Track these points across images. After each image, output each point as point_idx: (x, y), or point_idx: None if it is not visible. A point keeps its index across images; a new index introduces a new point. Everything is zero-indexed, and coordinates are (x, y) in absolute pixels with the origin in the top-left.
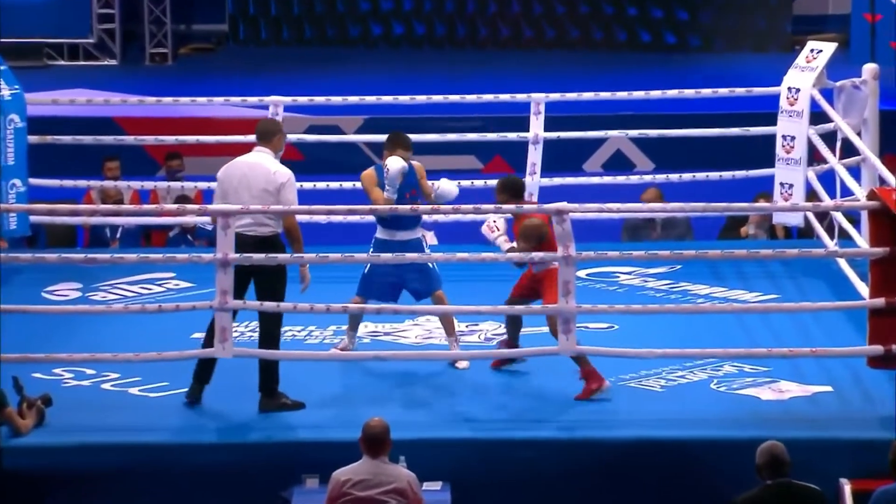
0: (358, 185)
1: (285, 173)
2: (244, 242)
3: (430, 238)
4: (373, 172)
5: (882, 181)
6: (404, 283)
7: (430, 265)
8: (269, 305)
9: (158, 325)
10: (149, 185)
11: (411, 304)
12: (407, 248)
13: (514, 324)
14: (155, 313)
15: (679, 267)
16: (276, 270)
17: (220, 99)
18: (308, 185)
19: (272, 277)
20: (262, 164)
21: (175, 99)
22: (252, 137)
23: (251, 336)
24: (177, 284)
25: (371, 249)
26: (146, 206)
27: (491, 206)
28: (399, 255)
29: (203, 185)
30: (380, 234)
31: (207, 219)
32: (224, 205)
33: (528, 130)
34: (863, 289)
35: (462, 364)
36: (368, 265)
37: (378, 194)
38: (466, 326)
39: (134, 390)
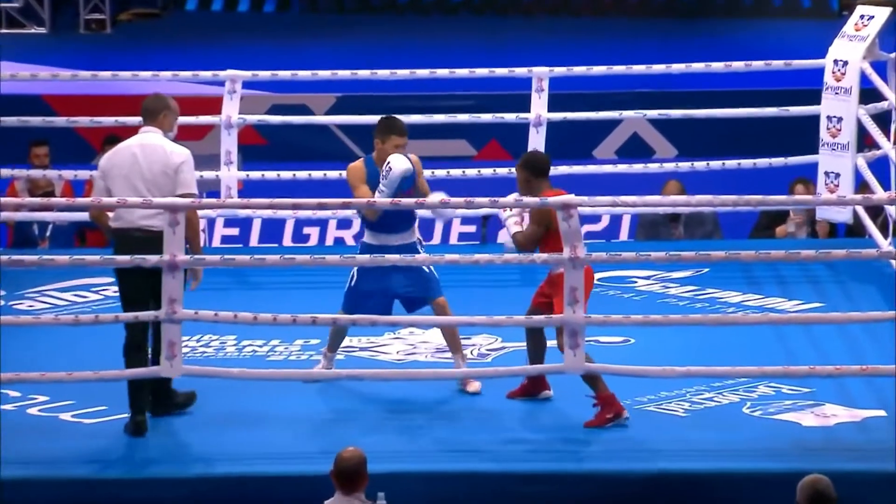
0: (330, 174)
1: (182, 153)
2: (128, 240)
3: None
4: (361, 165)
5: None
6: (397, 291)
7: (427, 268)
8: (245, 316)
9: (95, 340)
10: (83, 174)
11: (400, 315)
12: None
13: (533, 341)
14: (91, 325)
15: (706, 270)
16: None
17: (168, 73)
18: (271, 174)
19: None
20: (155, 145)
21: (114, 73)
22: (210, 118)
23: (203, 352)
24: (117, 291)
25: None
26: (81, 200)
27: (486, 200)
28: (377, 256)
29: None
30: (369, 238)
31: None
32: (177, 199)
33: (528, 111)
34: None
35: (473, 387)
36: (355, 276)
37: (364, 192)
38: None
39: (66, 415)
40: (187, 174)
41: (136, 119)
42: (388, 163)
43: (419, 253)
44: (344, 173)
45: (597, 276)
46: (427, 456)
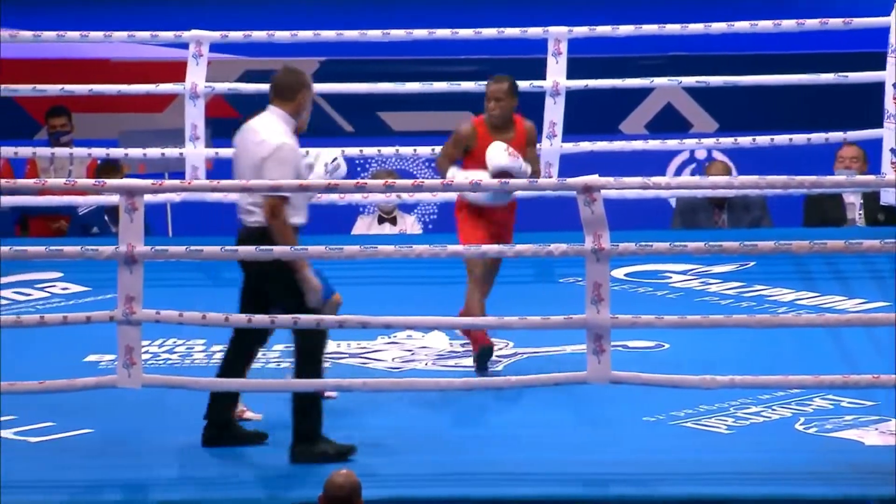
0: (313, 150)
1: (272, 144)
2: (239, 233)
3: (412, 224)
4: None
5: None
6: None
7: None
8: (215, 317)
9: (41, 345)
10: (25, 151)
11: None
12: None
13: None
14: (35, 327)
15: (752, 264)
16: (276, 271)
17: (122, 34)
18: None
19: (276, 281)
20: (254, 129)
21: (60, 33)
22: (172, 87)
23: (167, 358)
24: (66, 288)
25: None
26: (22, 182)
27: (495, 182)
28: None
29: (99, 151)
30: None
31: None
32: (135, 181)
33: (544, 78)
34: None
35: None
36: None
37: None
38: (462, 346)
39: (7, 433)
40: (270, 171)
41: (84, 87)
42: (333, 157)
43: None
44: (315, 151)
45: (624, 270)
46: (431, 481)
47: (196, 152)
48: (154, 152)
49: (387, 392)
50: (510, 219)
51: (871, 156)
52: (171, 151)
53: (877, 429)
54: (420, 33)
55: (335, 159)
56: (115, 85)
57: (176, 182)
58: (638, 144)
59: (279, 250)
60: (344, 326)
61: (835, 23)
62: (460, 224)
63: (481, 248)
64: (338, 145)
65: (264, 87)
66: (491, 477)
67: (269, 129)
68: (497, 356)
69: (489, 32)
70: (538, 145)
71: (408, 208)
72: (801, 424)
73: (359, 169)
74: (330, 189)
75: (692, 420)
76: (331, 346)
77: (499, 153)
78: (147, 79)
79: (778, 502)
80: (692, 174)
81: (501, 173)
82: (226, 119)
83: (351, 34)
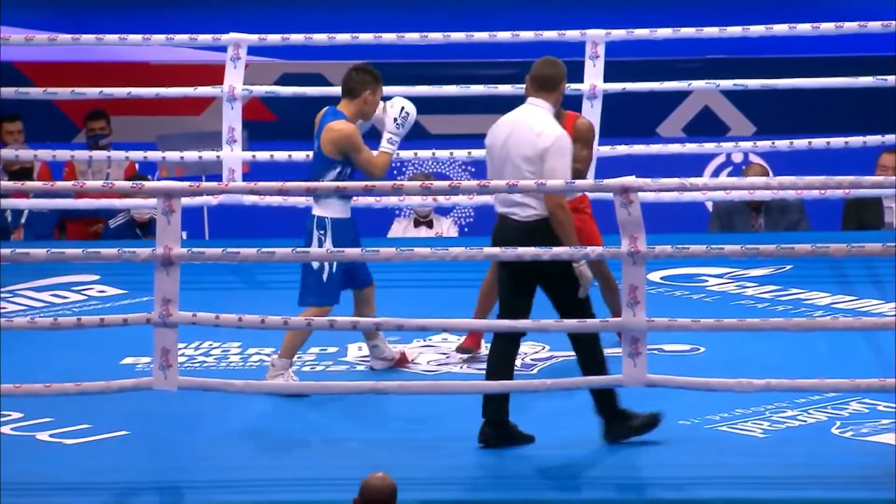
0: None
1: (552, 135)
2: (507, 229)
3: (448, 228)
4: (352, 125)
5: None
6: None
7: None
8: (251, 320)
9: (77, 347)
10: (63, 154)
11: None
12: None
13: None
14: (72, 329)
15: (789, 267)
16: (559, 266)
17: (160, 37)
18: (281, 154)
19: (558, 277)
20: (526, 123)
21: (98, 37)
22: (210, 90)
23: (203, 361)
24: (102, 291)
25: (330, 233)
26: (60, 184)
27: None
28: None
29: (137, 154)
30: (342, 211)
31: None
32: (172, 183)
33: (581, 81)
34: None
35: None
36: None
37: (370, 155)
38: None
39: (43, 435)
40: (555, 161)
41: (123, 91)
42: (401, 107)
43: None
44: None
45: (661, 273)
46: (469, 483)
47: (233, 155)
48: (191, 155)
49: (422, 394)
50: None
51: None
52: (209, 154)
53: None
54: (458, 36)
55: (403, 109)
56: (153, 88)
57: (213, 184)
58: (675, 147)
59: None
60: (380, 329)
61: (874, 26)
62: (583, 225)
63: (517, 251)
64: (373, 147)
65: (302, 89)
66: (524, 481)
67: (544, 122)
68: (533, 359)
69: (526, 35)
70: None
71: (444, 211)
72: (837, 428)
73: (395, 172)
74: (367, 191)
75: (727, 424)
76: (365, 348)
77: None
78: (185, 82)
79: None
80: (729, 177)
81: None
82: (263, 122)
83: (388, 37)
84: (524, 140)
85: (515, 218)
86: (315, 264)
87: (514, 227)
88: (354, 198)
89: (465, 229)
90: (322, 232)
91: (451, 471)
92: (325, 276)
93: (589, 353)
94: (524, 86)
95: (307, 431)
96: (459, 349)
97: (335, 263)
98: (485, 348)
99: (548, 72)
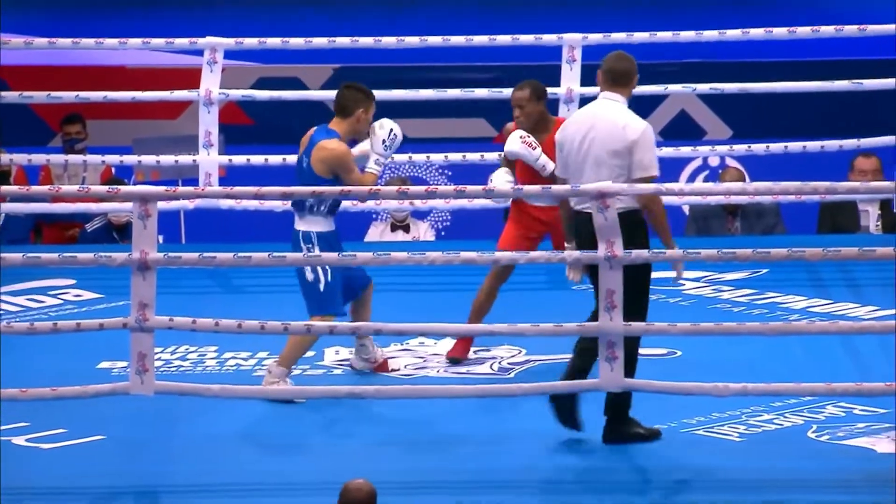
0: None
1: (638, 127)
2: (590, 221)
3: (425, 232)
4: (343, 143)
5: None
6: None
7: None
8: (228, 324)
9: (54, 351)
10: (39, 158)
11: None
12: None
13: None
14: (48, 334)
15: (765, 271)
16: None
17: (137, 41)
18: (258, 158)
19: (631, 268)
20: (608, 117)
21: (75, 40)
22: (187, 94)
23: (179, 365)
24: (78, 295)
25: (317, 248)
26: (36, 189)
27: (508, 188)
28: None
29: (113, 158)
30: (327, 225)
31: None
32: (148, 187)
33: (559, 84)
34: None
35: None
36: (325, 269)
37: (359, 176)
38: (475, 353)
39: (19, 440)
40: (644, 154)
41: (99, 94)
42: (389, 129)
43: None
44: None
45: None
46: (448, 488)
47: (209, 159)
48: (167, 159)
49: (399, 399)
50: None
51: (885, 163)
52: (185, 158)
53: (889, 436)
54: (434, 40)
55: (391, 131)
56: (129, 92)
57: (189, 189)
58: None
59: (292, 258)
60: (358, 333)
61: (850, 30)
62: (507, 222)
63: (494, 256)
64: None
65: (278, 93)
66: (492, 485)
67: (627, 115)
68: (510, 363)
69: (503, 39)
70: None
71: (421, 215)
72: (813, 432)
73: None
74: (343, 195)
75: (704, 428)
76: (342, 352)
77: (512, 140)
78: (161, 85)
79: None
80: (705, 181)
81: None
82: (239, 126)
83: (365, 41)
84: (610, 134)
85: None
86: (310, 276)
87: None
88: None
89: (442, 233)
90: (309, 246)
91: (413, 475)
92: (321, 287)
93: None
94: (502, 90)
95: (283, 436)
96: (449, 358)
97: (330, 273)
98: (472, 355)
99: (622, 66)
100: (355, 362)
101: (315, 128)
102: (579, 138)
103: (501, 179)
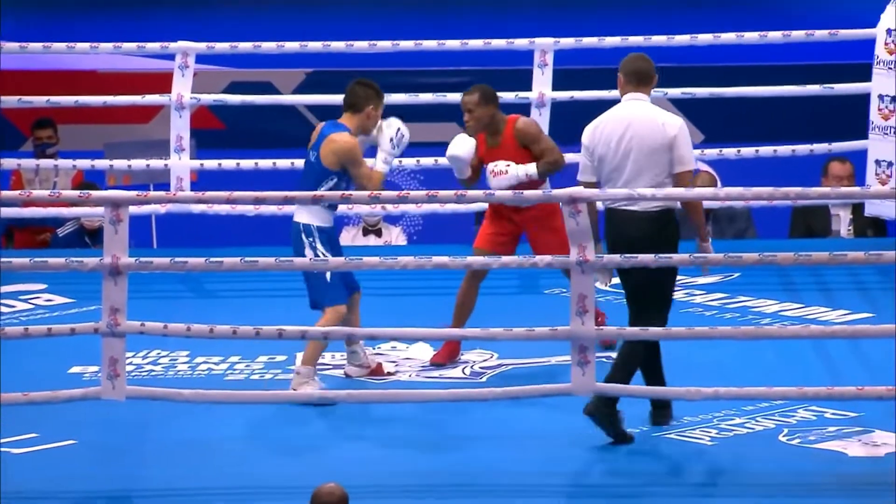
0: (298, 163)
1: (676, 123)
2: (629, 220)
3: (397, 236)
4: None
5: None
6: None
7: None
8: (199, 329)
9: (25, 356)
10: (10, 162)
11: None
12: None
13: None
14: (19, 339)
15: (737, 275)
16: (669, 246)
17: (108, 45)
18: (229, 163)
19: (657, 270)
20: (644, 116)
21: (46, 45)
22: (158, 98)
23: (151, 370)
24: (50, 300)
25: (318, 239)
26: (7, 193)
27: (480, 193)
28: (351, 260)
29: (84, 162)
30: (325, 220)
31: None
32: (120, 192)
33: (530, 89)
34: None
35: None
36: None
37: (368, 170)
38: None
39: None
40: (683, 149)
41: (70, 99)
42: (397, 128)
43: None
44: (298, 162)
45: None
46: (420, 491)
47: (181, 164)
48: (139, 164)
49: (370, 403)
50: (538, 217)
51: (856, 168)
52: (156, 163)
53: (860, 440)
54: (406, 44)
55: (399, 130)
56: (100, 96)
57: (161, 193)
58: None
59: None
60: (329, 337)
61: (821, 34)
62: (484, 220)
63: (466, 260)
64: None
65: (250, 97)
66: (470, 489)
67: (661, 113)
68: (482, 367)
69: (475, 44)
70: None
71: (393, 220)
72: (784, 436)
73: None
74: (315, 201)
75: (675, 431)
76: (336, 356)
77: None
78: (133, 90)
79: None
80: None
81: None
82: (211, 130)
83: (337, 45)
84: (650, 132)
85: (635, 209)
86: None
87: (638, 219)
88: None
89: (414, 238)
90: (311, 239)
91: (404, 476)
92: (328, 276)
93: (650, 367)
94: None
95: (255, 440)
96: (433, 363)
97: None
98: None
99: (644, 66)
100: (350, 370)
101: (324, 123)
102: (616, 139)
103: (461, 145)
